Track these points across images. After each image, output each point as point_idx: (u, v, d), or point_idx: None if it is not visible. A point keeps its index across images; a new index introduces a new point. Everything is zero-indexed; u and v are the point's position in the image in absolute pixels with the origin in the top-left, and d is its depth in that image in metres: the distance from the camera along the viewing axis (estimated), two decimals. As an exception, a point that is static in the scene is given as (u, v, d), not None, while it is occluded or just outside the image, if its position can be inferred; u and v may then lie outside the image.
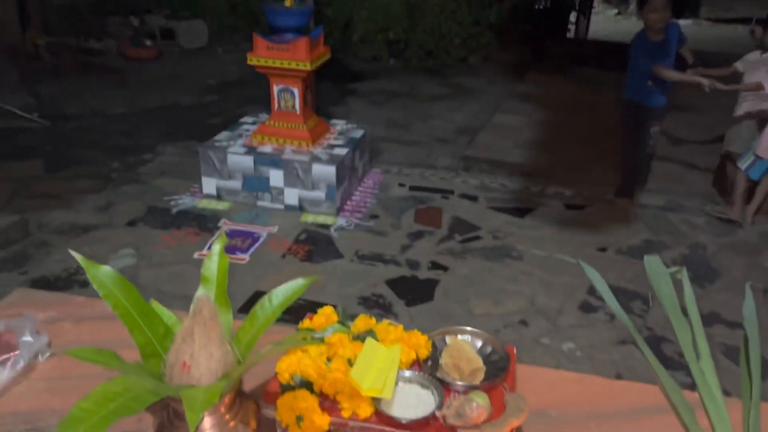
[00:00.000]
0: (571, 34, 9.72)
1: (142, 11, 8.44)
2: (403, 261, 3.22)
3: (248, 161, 3.65)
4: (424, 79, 7.25)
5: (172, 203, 3.73)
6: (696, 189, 4.27)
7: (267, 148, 3.73)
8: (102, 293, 0.87)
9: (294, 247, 3.31)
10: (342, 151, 3.75)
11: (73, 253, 0.89)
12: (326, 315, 1.07)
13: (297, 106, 3.77)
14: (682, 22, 13.36)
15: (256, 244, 3.32)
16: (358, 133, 4.06)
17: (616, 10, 14.02)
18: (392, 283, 3.02)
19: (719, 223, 3.75)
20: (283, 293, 0.93)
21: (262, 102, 5.94)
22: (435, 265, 3.18)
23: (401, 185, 4.15)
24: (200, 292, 0.92)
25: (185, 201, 3.75)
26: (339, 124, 4.22)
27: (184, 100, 6.03)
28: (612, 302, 1.25)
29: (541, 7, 8.93)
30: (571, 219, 3.74)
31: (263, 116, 4.24)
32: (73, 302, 1.35)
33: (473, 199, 3.98)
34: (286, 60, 3.59)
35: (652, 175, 4.12)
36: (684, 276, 1.35)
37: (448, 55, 7.89)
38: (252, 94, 6.25)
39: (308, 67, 3.58)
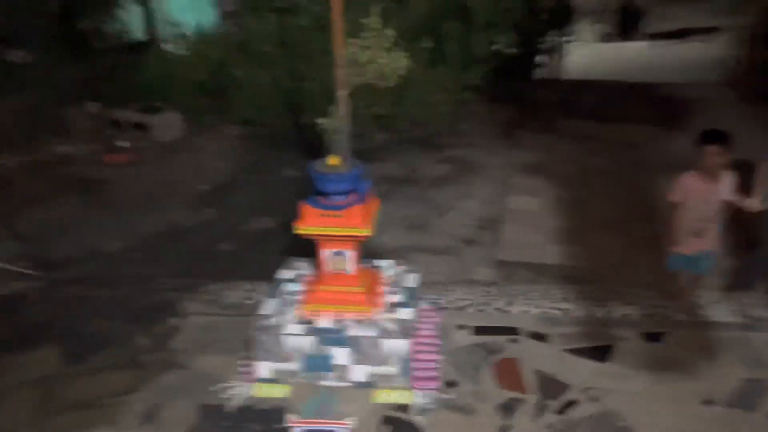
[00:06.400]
0: (542, 74, 9.51)
1: (100, 98, 7.92)
2: (509, 454, 2.91)
3: (308, 342, 3.28)
4: (418, 156, 6.99)
5: (226, 396, 3.31)
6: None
7: (326, 323, 3.36)
8: None
9: (382, 448, 2.96)
10: (408, 314, 3.41)
11: None
12: None
13: (349, 268, 3.42)
14: (630, 45, 12.95)
15: (339, 450, 2.95)
16: (412, 279, 3.73)
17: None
18: (511, 495, 2.70)
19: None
20: None
21: (267, 213, 5.56)
22: (546, 457, 2.88)
23: (460, 327, 3.84)
24: None
25: (239, 391, 3.34)
26: (384, 268, 3.88)
27: (181, 219, 5.58)
28: None
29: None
30: (657, 358, 3.49)
31: (300, 265, 3.86)
32: None
33: (543, 338, 3.70)
34: (341, 227, 3.24)
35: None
36: None
37: (436, 124, 7.64)
38: (251, 202, 5.85)
39: (367, 233, 3.24)
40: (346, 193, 3.27)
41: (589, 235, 5.06)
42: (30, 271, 4.66)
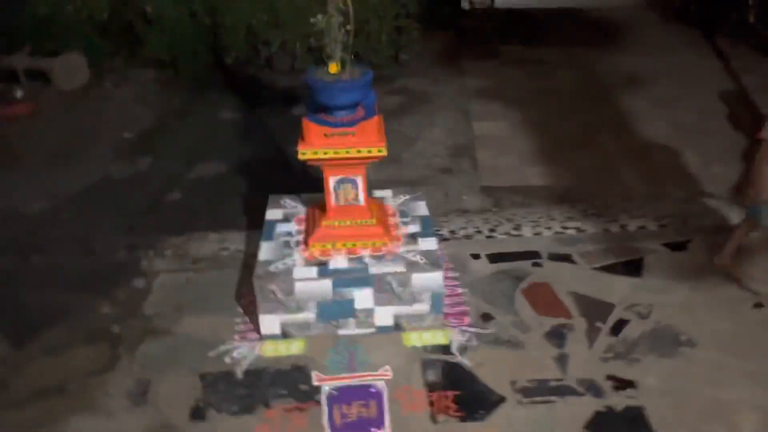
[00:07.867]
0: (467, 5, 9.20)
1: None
2: (576, 385, 2.57)
3: (325, 286, 2.76)
4: (365, 88, 6.44)
5: (228, 361, 2.75)
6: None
7: (340, 261, 2.85)
8: None
9: (434, 398, 2.54)
10: (430, 244, 2.97)
11: None
12: None
13: (360, 198, 2.91)
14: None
15: (385, 406, 2.50)
16: (422, 207, 3.29)
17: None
18: (595, 428, 2.37)
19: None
20: None
21: (212, 157, 4.87)
22: (618, 383, 2.57)
23: (475, 257, 3.45)
24: None
25: (243, 353, 2.79)
26: (386, 197, 3.40)
27: (113, 171, 4.77)
28: None
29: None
30: (692, 267, 3.27)
31: (289, 203, 3.30)
32: None
33: (568, 259, 3.39)
34: (353, 147, 2.71)
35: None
36: None
37: (376, 55, 7.10)
38: (189, 147, 5.12)
39: (383, 152, 2.74)
40: (354, 106, 2.73)
41: (563, 153, 4.83)
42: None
